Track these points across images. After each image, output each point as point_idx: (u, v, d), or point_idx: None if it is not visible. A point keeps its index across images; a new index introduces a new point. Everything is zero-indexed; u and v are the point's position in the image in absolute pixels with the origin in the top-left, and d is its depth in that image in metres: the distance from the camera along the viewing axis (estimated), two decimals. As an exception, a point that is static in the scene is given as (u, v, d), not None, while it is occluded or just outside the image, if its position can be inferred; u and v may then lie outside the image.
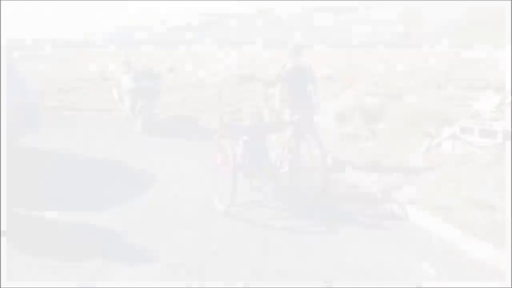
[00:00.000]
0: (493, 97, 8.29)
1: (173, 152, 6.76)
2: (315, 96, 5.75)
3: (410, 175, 5.46)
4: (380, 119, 8.19)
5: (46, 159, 6.28)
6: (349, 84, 9.57)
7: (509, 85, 7.56)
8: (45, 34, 19.40)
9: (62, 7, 22.33)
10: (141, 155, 6.50)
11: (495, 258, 3.52)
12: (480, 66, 24.38)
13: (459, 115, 7.71)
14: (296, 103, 5.46)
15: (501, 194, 4.49)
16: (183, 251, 3.70)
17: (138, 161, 6.24)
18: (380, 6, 24.82)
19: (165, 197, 4.92)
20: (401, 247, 3.84)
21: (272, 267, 3.47)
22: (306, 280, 3.27)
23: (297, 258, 3.63)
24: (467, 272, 3.44)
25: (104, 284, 3.17)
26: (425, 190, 4.91)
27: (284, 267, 3.46)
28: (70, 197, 4.89)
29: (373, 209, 4.67)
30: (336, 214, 4.48)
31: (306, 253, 3.71)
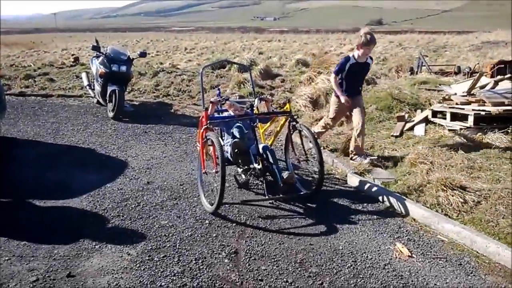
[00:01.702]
0: (464, 81, 8.43)
1: (146, 138, 6.62)
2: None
3: (383, 158, 5.50)
4: (354, 103, 8.21)
5: (13, 147, 6.06)
6: (324, 69, 9.54)
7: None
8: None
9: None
10: (112, 142, 6.34)
11: (466, 238, 3.57)
12: (453, 52, 24.96)
13: (431, 100, 7.83)
14: (350, 92, 5.35)
15: (471, 175, 4.57)
16: (157, 237, 3.61)
17: (109, 148, 6.09)
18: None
19: (137, 184, 4.80)
20: (375, 228, 3.85)
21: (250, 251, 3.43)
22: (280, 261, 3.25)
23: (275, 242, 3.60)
24: (439, 251, 3.48)
25: (77, 268, 3.07)
26: (398, 172, 4.95)
27: (261, 249, 3.42)
28: (38, 184, 4.72)
29: (347, 192, 4.67)
30: (315, 198, 4.44)
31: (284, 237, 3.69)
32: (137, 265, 3.19)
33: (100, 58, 8.07)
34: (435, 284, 3.03)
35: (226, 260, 3.28)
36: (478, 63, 13.63)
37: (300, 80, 9.57)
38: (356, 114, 5.37)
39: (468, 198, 4.09)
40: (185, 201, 4.37)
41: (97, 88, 8.10)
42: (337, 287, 2.97)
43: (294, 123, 4.57)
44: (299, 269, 3.18)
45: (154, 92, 9.79)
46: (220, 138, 4.52)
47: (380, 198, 4.46)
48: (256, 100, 4.79)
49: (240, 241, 3.57)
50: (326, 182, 4.83)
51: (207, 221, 3.92)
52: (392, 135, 6.47)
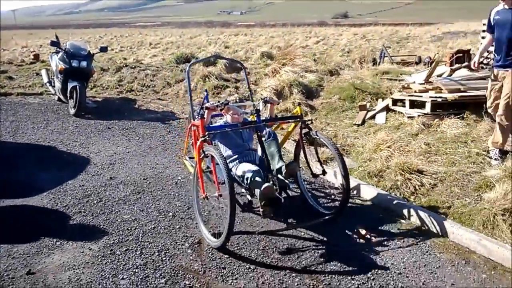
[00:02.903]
0: (424, 71, 8.66)
1: (109, 134, 6.52)
2: None
3: (345, 146, 5.62)
4: (318, 94, 8.34)
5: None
6: (289, 61, 9.61)
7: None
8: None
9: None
10: (74, 139, 6.22)
11: (422, 218, 3.70)
12: (415, 43, 25.54)
13: (392, 89, 8.02)
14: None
15: (428, 159, 4.73)
16: (119, 231, 3.58)
17: (70, 145, 5.96)
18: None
19: (99, 180, 4.73)
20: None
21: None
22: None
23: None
24: (396, 233, 3.59)
25: (39, 264, 3.02)
26: (359, 159, 5.07)
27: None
28: (-5, 184, 4.59)
29: (310, 179, 4.73)
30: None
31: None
32: (99, 260, 3.16)
33: (60, 54, 7.88)
34: (392, 264, 3.13)
35: (189, 251, 3.30)
36: (437, 53, 14.00)
37: (265, 73, 9.61)
38: None
39: (425, 181, 4.24)
40: (149, 195, 4.34)
41: (57, 84, 7.90)
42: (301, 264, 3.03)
43: (306, 129, 3.82)
44: (262, 255, 3.22)
45: (117, 88, 9.64)
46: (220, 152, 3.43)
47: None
48: (261, 103, 4.08)
49: (204, 232, 3.59)
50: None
51: (170, 214, 3.92)
52: (355, 124, 6.61)
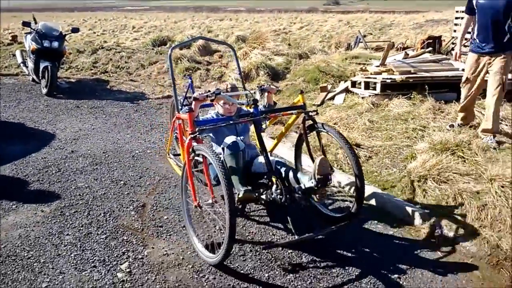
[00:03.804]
0: (392, 55, 8.98)
1: (77, 112, 6.77)
2: None
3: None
4: (284, 76, 8.65)
5: None
6: (258, 44, 9.88)
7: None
8: None
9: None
10: (43, 117, 6.46)
11: (350, 185, 4.04)
12: (397, 30, 25.83)
13: (356, 72, 8.34)
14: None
15: (369, 135, 5.08)
16: (72, 196, 3.87)
17: (39, 122, 6.21)
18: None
19: (61, 153, 5.01)
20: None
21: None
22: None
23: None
24: (330, 198, 3.88)
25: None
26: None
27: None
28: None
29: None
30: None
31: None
32: (49, 220, 3.47)
33: (32, 35, 8.06)
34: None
35: (132, 213, 3.62)
36: (407, 39, 14.36)
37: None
38: None
39: (361, 154, 4.60)
40: (105, 166, 4.64)
41: (30, 64, 8.11)
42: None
43: (310, 121, 3.34)
44: (199, 217, 3.55)
45: (92, 69, 9.84)
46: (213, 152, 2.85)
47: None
48: (257, 91, 3.50)
49: (150, 197, 3.91)
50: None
51: (122, 182, 4.22)
52: (314, 104, 6.93)
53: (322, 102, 7.01)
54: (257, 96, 3.45)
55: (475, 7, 4.58)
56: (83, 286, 2.67)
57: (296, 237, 2.93)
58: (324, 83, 7.94)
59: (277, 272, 2.84)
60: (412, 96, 6.08)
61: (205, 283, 2.71)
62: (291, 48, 11.38)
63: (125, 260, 2.95)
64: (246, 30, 22.57)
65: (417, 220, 3.33)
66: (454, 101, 5.78)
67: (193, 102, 3.25)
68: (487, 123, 4.56)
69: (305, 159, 3.82)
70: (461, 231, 3.19)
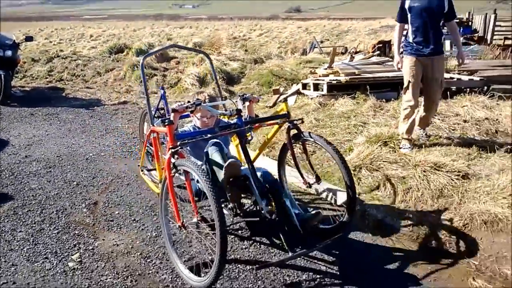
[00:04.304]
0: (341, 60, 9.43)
1: (32, 119, 6.80)
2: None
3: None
4: (239, 80, 8.93)
5: None
6: (214, 50, 10.14)
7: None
8: None
9: None
10: (-4, 124, 6.47)
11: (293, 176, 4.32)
12: (353, 36, 26.67)
13: (309, 75, 8.73)
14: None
15: (314, 131, 5.41)
16: (25, 197, 3.97)
17: (-8, 129, 6.22)
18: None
19: (15, 158, 5.07)
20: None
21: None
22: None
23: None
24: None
25: None
26: (258, 133, 5.68)
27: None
28: None
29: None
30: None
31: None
32: (1, 219, 3.57)
33: (-17, 43, 8.01)
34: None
35: (84, 210, 3.77)
36: (359, 43, 14.99)
37: (193, 62, 10.08)
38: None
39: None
40: (59, 169, 4.75)
41: (-18, 73, 8.05)
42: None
43: (295, 130, 3.22)
44: (148, 211, 3.75)
45: (47, 78, 9.84)
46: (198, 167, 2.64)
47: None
48: (238, 101, 3.25)
49: (102, 195, 4.07)
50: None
51: (75, 183, 4.35)
52: (267, 106, 7.23)
53: (274, 104, 7.31)
54: (239, 106, 3.20)
55: (409, 12, 4.49)
56: (35, 276, 2.81)
57: (290, 253, 2.71)
58: (277, 86, 8.27)
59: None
60: (356, 96, 6.47)
61: (152, 267, 2.91)
62: (248, 54, 11.71)
63: (76, 251, 3.11)
64: (206, 37, 22.84)
65: (314, 191, 3.44)
66: (393, 99, 6.20)
67: (172, 114, 3.05)
68: (423, 122, 4.72)
69: (288, 170, 3.72)
70: (389, 212, 3.53)
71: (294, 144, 3.30)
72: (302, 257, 2.98)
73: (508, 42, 11.24)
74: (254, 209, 2.96)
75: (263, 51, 13.91)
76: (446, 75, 6.78)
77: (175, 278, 2.79)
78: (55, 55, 11.33)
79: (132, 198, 4.01)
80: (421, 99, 4.71)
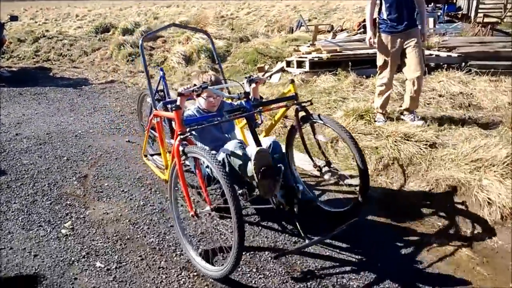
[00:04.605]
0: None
1: (20, 99, 6.91)
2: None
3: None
4: (225, 58, 9.06)
5: None
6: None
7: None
8: None
9: None
10: (-16, 104, 6.57)
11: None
12: (341, 14, 26.69)
13: (292, 53, 8.88)
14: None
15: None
16: (17, 172, 4.14)
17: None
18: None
19: (5, 136, 5.21)
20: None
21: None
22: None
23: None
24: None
25: None
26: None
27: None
28: None
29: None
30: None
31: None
32: (-4, 192, 3.76)
33: (-32, 24, 8.03)
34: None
35: (75, 182, 3.96)
36: (344, 21, 15.10)
37: (179, 40, 10.15)
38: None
39: (288, 124, 5.10)
40: (49, 145, 4.91)
41: (-32, 54, 8.10)
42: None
43: (304, 112, 3.17)
44: (136, 182, 3.95)
45: (34, 58, 9.87)
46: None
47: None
48: (245, 83, 3.18)
49: (91, 169, 4.26)
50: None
51: (65, 158, 4.53)
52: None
53: (259, 81, 7.49)
54: (247, 88, 3.10)
55: None
56: (31, 242, 3.02)
57: (307, 241, 2.70)
58: (262, 64, 8.43)
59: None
60: (337, 72, 6.66)
61: (140, 232, 3.13)
62: (234, 33, 11.78)
63: (68, 219, 3.31)
64: (193, 16, 22.74)
65: (326, 176, 3.73)
66: (372, 75, 6.41)
67: (178, 98, 2.91)
68: (413, 102, 4.65)
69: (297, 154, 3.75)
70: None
71: (302, 127, 3.23)
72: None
73: (488, 19, 11.43)
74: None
75: (249, 30, 13.98)
76: (426, 52, 7.01)
77: (161, 241, 3.02)
78: (41, 35, 11.31)
79: (120, 171, 4.21)
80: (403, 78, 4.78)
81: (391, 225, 3.19)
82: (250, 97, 3.07)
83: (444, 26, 11.33)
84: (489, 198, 3.05)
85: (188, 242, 2.83)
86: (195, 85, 3.00)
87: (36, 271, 2.72)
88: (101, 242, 3.02)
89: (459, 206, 3.23)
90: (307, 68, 6.83)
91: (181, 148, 2.65)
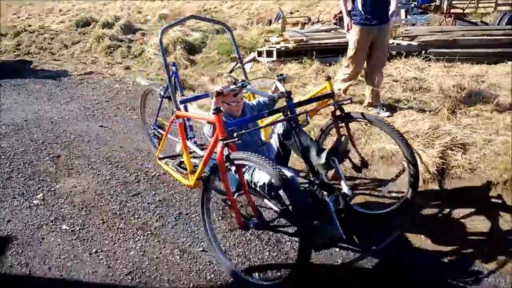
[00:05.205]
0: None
1: (0, 90, 7.19)
2: None
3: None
4: (200, 50, 9.39)
5: None
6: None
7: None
8: None
9: None
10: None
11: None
12: (322, 7, 27.03)
13: (264, 44, 9.23)
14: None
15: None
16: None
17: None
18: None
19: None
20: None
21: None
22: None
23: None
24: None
25: None
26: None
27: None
28: None
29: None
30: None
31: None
32: (-26, 171, 4.10)
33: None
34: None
35: (48, 161, 4.31)
36: (320, 13, 15.52)
37: (157, 33, 10.44)
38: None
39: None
40: (26, 131, 5.24)
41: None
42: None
43: (340, 111, 3.01)
44: (105, 161, 4.30)
45: (15, 52, 10.10)
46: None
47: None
48: (276, 81, 2.91)
49: (64, 150, 4.60)
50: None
51: (41, 141, 4.87)
52: (226, 72, 7.76)
53: (232, 70, 7.85)
54: (281, 88, 2.82)
55: None
56: (5, 211, 3.37)
57: (360, 253, 2.59)
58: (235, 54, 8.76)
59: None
60: (302, 61, 7.05)
61: (104, 201, 3.50)
62: (212, 25, 12.07)
63: (40, 192, 3.67)
64: (176, 9, 22.95)
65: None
66: (333, 62, 6.80)
67: (214, 99, 2.58)
68: (375, 96, 4.81)
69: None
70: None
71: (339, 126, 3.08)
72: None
73: (454, 10, 11.88)
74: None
75: (229, 23, 14.29)
76: (389, 41, 7.41)
77: (122, 208, 3.39)
78: (23, 29, 11.53)
79: (91, 151, 4.56)
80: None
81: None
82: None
83: (416, 17, 11.77)
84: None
85: (223, 256, 2.64)
86: (234, 82, 2.79)
87: (9, 233, 3.08)
88: (68, 210, 3.38)
89: (390, 170, 3.65)
90: (274, 57, 7.21)
91: (225, 154, 2.42)
